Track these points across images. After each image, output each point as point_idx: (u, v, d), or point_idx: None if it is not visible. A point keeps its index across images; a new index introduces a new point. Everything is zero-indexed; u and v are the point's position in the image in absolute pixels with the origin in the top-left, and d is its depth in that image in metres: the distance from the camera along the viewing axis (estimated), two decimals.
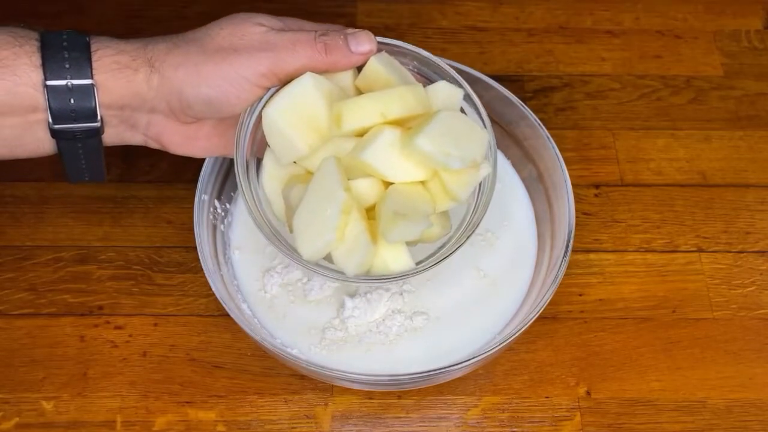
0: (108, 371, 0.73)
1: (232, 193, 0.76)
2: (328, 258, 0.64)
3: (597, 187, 0.83)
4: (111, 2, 0.91)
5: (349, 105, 0.63)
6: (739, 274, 0.78)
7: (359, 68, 0.66)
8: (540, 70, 0.90)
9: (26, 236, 0.78)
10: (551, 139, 0.74)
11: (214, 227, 0.74)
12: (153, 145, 0.68)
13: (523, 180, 0.78)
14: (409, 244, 0.65)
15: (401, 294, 0.73)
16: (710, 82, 0.89)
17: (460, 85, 0.68)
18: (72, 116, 0.62)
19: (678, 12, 0.93)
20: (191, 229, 0.70)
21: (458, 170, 0.63)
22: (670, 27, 0.93)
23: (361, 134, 0.64)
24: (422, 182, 0.64)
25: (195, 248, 0.70)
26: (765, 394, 0.73)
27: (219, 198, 0.75)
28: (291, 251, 0.65)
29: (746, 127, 0.86)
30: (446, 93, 0.67)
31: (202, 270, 0.69)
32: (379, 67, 0.65)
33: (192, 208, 0.71)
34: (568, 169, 0.72)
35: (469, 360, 0.66)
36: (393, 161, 0.63)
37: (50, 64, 0.61)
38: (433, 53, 0.69)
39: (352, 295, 0.73)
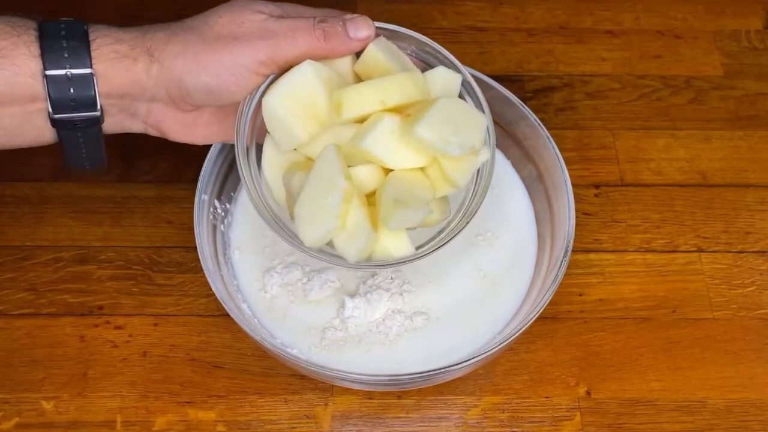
0: (108, 371, 0.73)
1: (232, 193, 0.76)
2: (330, 244, 0.64)
3: (597, 187, 0.83)
4: (110, 2, 0.91)
5: (349, 93, 0.63)
6: (739, 274, 0.78)
7: (358, 53, 0.66)
8: (540, 70, 0.90)
9: (26, 236, 0.78)
10: (551, 139, 0.74)
11: (214, 227, 0.74)
12: (153, 132, 0.68)
13: (523, 180, 0.78)
14: (408, 228, 0.65)
15: (401, 294, 0.73)
16: (710, 82, 0.89)
17: (458, 70, 0.68)
18: (72, 105, 0.62)
19: (678, 12, 0.93)
20: (191, 229, 0.70)
21: (457, 157, 0.63)
22: (670, 27, 0.93)
23: (360, 121, 0.64)
24: (422, 168, 0.65)
25: (195, 248, 0.70)
26: (765, 394, 0.73)
27: (219, 198, 0.75)
28: (292, 237, 0.65)
29: (746, 127, 0.86)
30: (445, 78, 0.67)
31: (202, 270, 0.69)
32: (377, 53, 0.65)
33: (192, 208, 0.71)
34: (568, 169, 0.72)
35: (469, 360, 0.66)
36: (392, 148, 0.63)
37: (49, 54, 0.61)
38: None
39: (352, 295, 0.73)
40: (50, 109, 0.62)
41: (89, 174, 0.81)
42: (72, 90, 0.61)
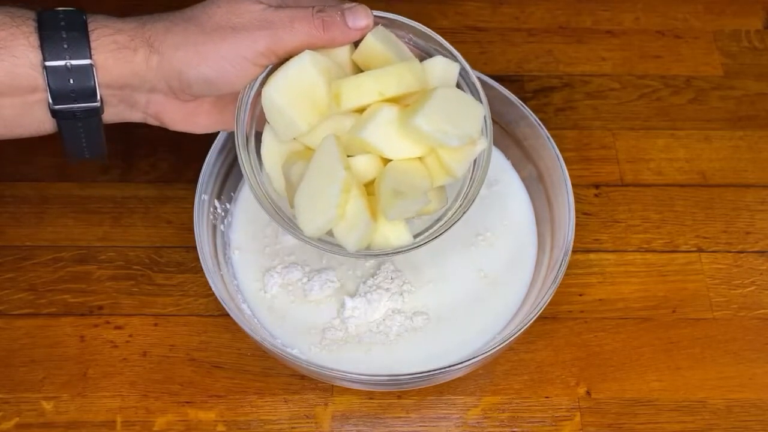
0: (108, 371, 0.73)
1: (232, 193, 0.76)
2: (329, 233, 0.65)
3: (597, 187, 0.82)
4: (110, 2, 0.91)
5: (348, 84, 0.63)
6: (739, 274, 0.78)
7: (356, 42, 0.66)
8: (540, 70, 0.90)
9: (26, 236, 0.78)
10: (551, 139, 0.74)
11: (214, 227, 0.74)
12: (153, 122, 0.68)
13: (523, 180, 0.78)
14: (406, 217, 0.65)
15: (401, 294, 0.73)
16: (710, 82, 0.89)
17: (456, 59, 0.68)
18: (72, 96, 0.62)
19: (678, 12, 0.93)
20: (191, 229, 0.70)
21: (455, 147, 0.63)
22: (670, 27, 0.93)
23: (359, 111, 0.64)
24: (419, 158, 0.65)
25: (195, 248, 0.70)
26: (765, 394, 0.73)
27: (219, 198, 0.75)
28: (292, 227, 0.65)
29: (746, 127, 0.86)
30: (442, 68, 0.67)
31: (202, 270, 0.69)
32: (375, 42, 0.65)
33: (192, 208, 0.71)
34: (568, 169, 0.72)
35: (469, 360, 0.66)
36: (391, 139, 0.63)
37: (48, 45, 0.61)
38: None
39: (352, 295, 0.73)
40: (50, 100, 0.62)
41: (89, 172, 0.81)
42: (72, 81, 0.61)
